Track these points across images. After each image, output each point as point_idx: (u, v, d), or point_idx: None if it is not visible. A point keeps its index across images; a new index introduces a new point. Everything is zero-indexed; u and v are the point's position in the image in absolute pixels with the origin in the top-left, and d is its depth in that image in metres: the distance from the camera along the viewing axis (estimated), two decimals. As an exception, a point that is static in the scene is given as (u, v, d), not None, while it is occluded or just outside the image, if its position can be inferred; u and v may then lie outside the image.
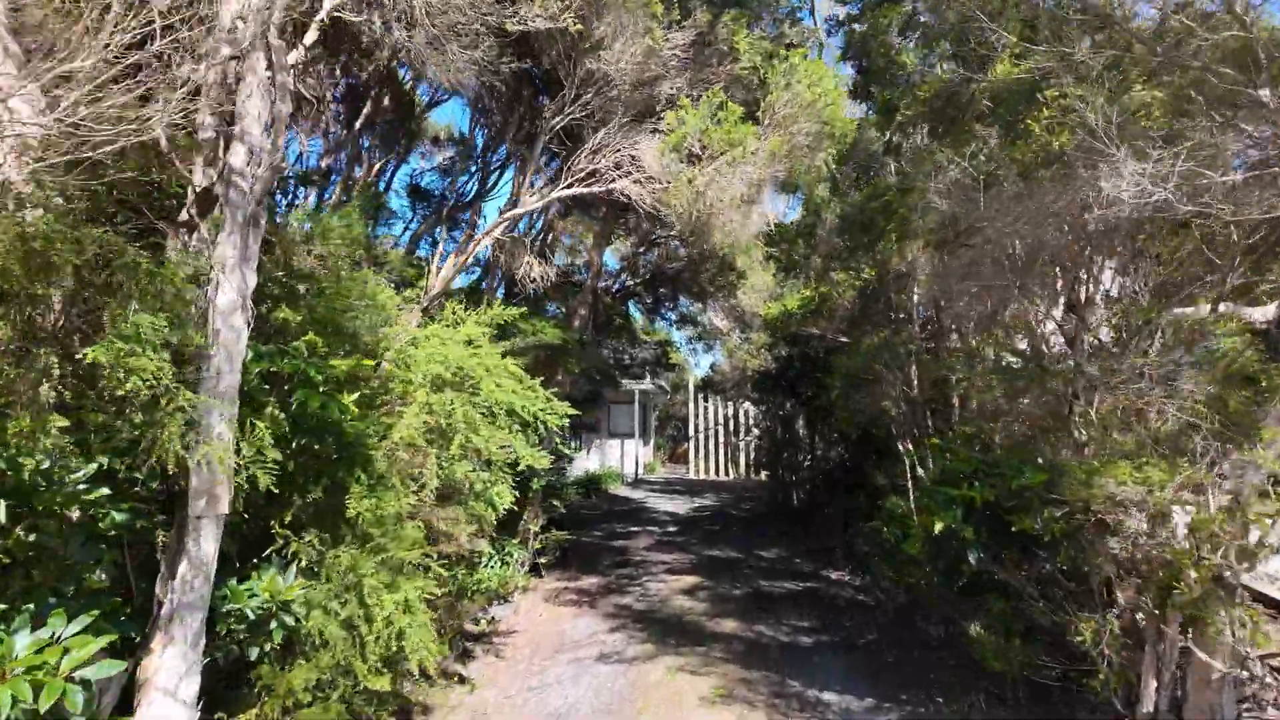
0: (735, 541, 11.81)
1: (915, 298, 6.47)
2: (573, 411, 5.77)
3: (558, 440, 8.46)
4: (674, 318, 13.52)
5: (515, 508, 8.50)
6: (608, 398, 24.26)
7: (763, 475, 24.51)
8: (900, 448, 7.32)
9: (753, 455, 24.89)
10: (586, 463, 23.08)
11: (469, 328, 5.21)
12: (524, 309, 6.66)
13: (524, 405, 5.33)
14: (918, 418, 6.28)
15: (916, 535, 4.82)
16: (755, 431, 23.37)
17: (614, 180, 6.73)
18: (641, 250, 12.03)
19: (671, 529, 13.09)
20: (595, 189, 6.73)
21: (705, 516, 14.80)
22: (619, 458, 24.14)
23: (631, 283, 12.69)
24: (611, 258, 14.83)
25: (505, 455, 5.07)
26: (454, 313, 5.36)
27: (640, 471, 24.01)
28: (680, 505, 16.52)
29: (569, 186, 6.90)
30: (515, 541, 7.93)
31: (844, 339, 8.36)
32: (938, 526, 4.24)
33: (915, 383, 6.45)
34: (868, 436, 9.04)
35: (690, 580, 9.10)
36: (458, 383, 4.81)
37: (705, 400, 26.40)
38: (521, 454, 5.13)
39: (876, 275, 6.86)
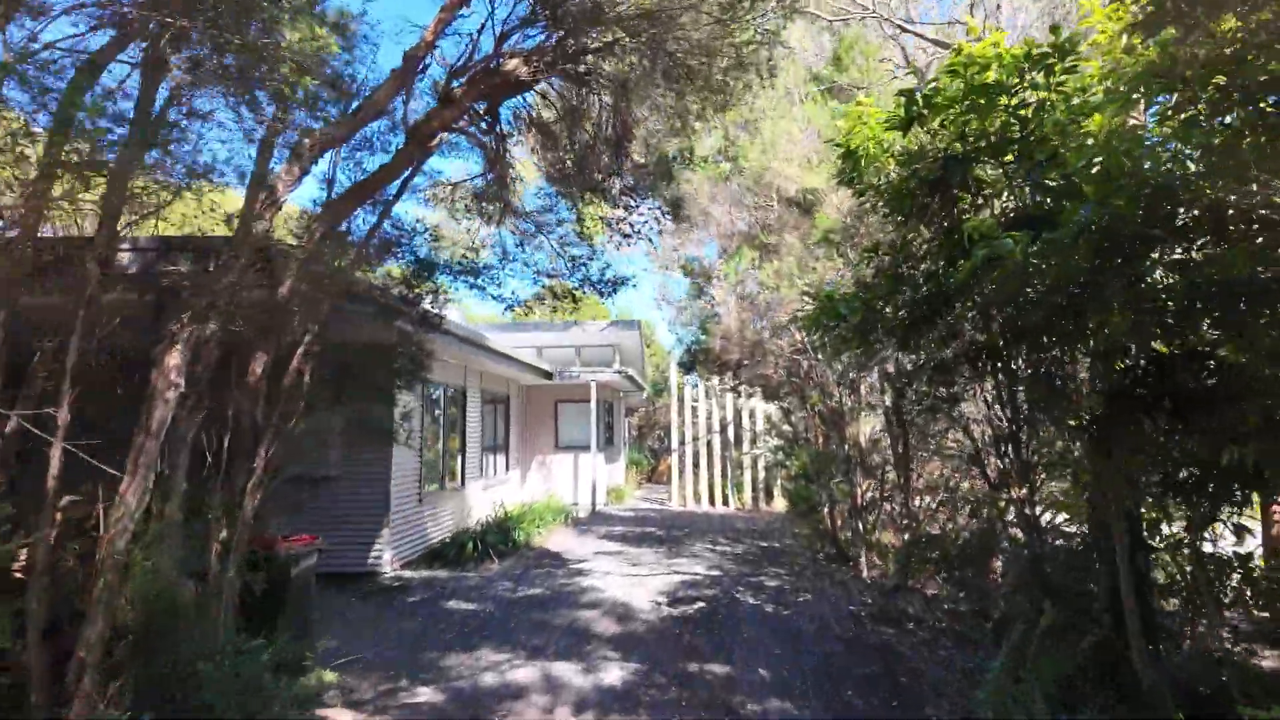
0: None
1: None
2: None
3: None
4: (619, 188, 5.92)
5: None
6: (550, 393, 16.69)
7: (777, 505, 16.85)
8: None
9: (763, 475, 17.25)
10: (520, 492, 15.44)
11: None
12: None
13: None
14: None
15: None
16: (771, 442, 15.72)
17: None
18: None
19: (614, 676, 5.57)
20: None
21: (694, 618, 7.27)
22: (570, 481, 16.54)
23: (508, 56, 4.90)
24: None
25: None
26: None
27: (601, 500, 16.38)
28: (649, 579, 8.97)
29: None
30: None
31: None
32: None
33: None
34: None
35: None
36: None
37: (694, 399, 18.82)
38: None
39: None
